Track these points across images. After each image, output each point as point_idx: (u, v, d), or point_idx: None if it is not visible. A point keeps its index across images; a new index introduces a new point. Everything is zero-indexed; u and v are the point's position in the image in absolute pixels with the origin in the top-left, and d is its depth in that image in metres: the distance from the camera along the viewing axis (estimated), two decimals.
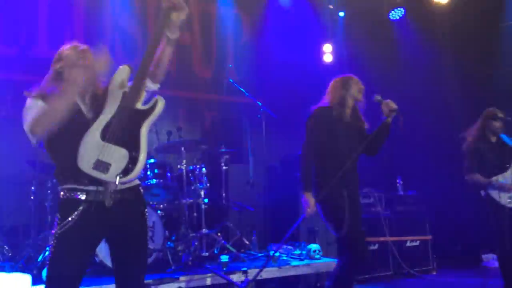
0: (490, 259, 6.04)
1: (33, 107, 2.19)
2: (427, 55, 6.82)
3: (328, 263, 4.59)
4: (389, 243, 5.47)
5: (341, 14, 7.06)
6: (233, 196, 5.50)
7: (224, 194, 5.22)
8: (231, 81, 5.44)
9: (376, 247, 5.48)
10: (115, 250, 2.20)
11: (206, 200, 4.77)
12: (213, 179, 5.10)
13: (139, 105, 2.21)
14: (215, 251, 4.57)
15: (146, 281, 3.44)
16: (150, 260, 3.92)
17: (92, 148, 2.06)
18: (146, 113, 2.19)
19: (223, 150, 5.20)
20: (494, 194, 4.05)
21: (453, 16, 6.77)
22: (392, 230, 5.52)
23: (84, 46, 2.30)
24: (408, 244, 5.61)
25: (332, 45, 7.01)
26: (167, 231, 4.20)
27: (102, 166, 2.04)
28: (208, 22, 6.30)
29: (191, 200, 4.70)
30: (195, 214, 4.73)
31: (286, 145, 6.17)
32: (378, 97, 3.45)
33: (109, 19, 5.51)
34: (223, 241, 4.63)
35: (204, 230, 4.57)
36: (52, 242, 2.08)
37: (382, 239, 5.47)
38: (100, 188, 2.09)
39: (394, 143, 6.76)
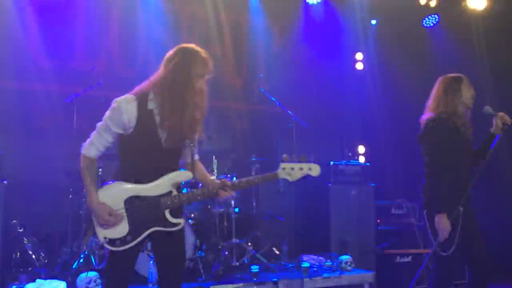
0: None
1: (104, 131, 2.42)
2: (461, 63, 6.64)
3: (360, 275, 4.52)
4: (423, 255, 5.33)
5: (373, 22, 6.98)
6: (263, 206, 5.50)
7: (254, 204, 5.22)
8: (262, 90, 5.46)
9: (409, 259, 5.36)
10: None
11: (236, 210, 4.79)
12: (244, 188, 5.10)
13: (168, 214, 2.39)
14: (245, 261, 4.57)
15: None
16: None
17: (113, 202, 2.41)
18: (164, 223, 2.39)
19: (253, 159, 5.21)
20: None
21: (489, 22, 6.58)
22: (426, 242, 5.38)
23: None
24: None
25: (364, 53, 6.94)
26: (198, 240, 4.24)
27: None
28: (240, 31, 6.35)
29: (222, 209, 4.73)
30: (225, 223, 4.75)
31: (317, 154, 6.10)
32: (489, 109, 3.21)
33: (143, 31, 5.64)
34: (253, 251, 4.63)
35: (234, 239, 4.58)
36: None
37: (416, 251, 5.34)
38: None
39: None
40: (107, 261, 2.51)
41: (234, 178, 4.87)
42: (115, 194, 2.35)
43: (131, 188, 2.35)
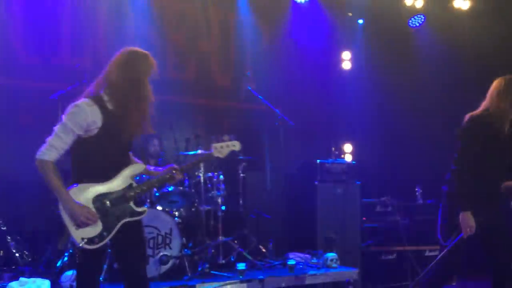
0: None
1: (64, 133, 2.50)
2: (447, 62, 6.73)
3: (345, 272, 4.56)
4: (407, 252, 5.40)
5: (360, 21, 7.03)
6: (250, 204, 5.51)
7: (241, 202, 5.23)
8: (250, 88, 5.47)
9: (394, 256, 5.42)
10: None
11: (223, 208, 4.79)
12: (230, 186, 5.12)
13: (132, 204, 2.58)
14: (232, 259, 4.57)
15: None
16: (166, 267, 3.96)
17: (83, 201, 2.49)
18: (132, 214, 2.58)
19: (241, 157, 5.22)
20: None
21: (474, 22, 6.67)
22: (410, 239, 5.44)
23: None
24: (427, 253, 5.52)
25: (351, 52, 6.98)
26: (184, 238, 4.23)
27: None
28: (227, 29, 6.34)
29: (209, 208, 4.73)
30: (212, 221, 4.75)
31: (304, 152, 6.16)
32: None
33: (129, 28, 5.60)
34: (240, 249, 4.64)
35: (221, 237, 4.59)
36: None
37: (400, 248, 5.40)
38: None
39: (413, 152, 6.72)
40: (78, 260, 2.59)
41: (221, 176, 4.88)
42: (82, 195, 2.47)
43: (95, 188, 2.51)
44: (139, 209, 2.60)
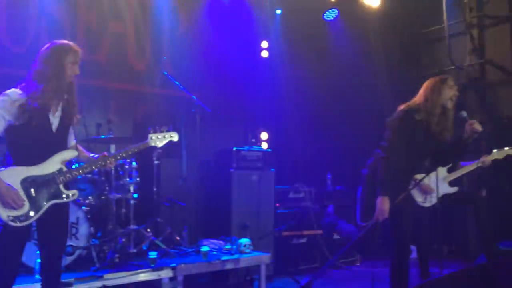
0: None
1: None
2: (358, 56, 7.09)
3: (258, 257, 4.66)
4: (317, 236, 5.65)
5: (278, 11, 7.14)
6: (165, 191, 5.40)
7: (155, 189, 5.12)
8: (166, 73, 5.35)
9: (305, 240, 5.65)
10: None
11: (135, 195, 4.66)
12: (144, 173, 4.99)
13: (62, 187, 2.78)
14: (144, 248, 4.48)
15: (67, 280, 3.34)
16: (72, 258, 3.78)
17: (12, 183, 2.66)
18: (60, 196, 2.78)
19: None
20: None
21: (382, 18, 7.08)
22: (320, 224, 5.71)
23: None
24: (335, 237, 5.82)
25: (269, 41, 7.08)
26: (92, 228, 4.07)
27: None
28: (143, 11, 6.11)
29: (120, 196, 4.57)
30: (123, 210, 4.61)
31: (220, 139, 6.17)
32: (463, 114, 3.34)
33: (34, 3, 5.20)
34: (152, 237, 4.56)
35: (132, 226, 4.47)
36: None
37: (310, 232, 5.64)
38: None
39: (325, 140, 7.02)
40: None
41: (134, 163, 4.74)
42: (11, 177, 2.64)
43: (24, 170, 2.69)
44: (68, 192, 2.80)
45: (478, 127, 3.32)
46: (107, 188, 4.50)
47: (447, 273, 3.75)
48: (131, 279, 3.82)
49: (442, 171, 4.09)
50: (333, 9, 7.15)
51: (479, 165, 3.56)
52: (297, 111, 7.05)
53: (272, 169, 5.68)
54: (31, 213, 2.66)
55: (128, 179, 4.62)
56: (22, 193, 2.65)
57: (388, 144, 3.34)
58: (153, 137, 3.11)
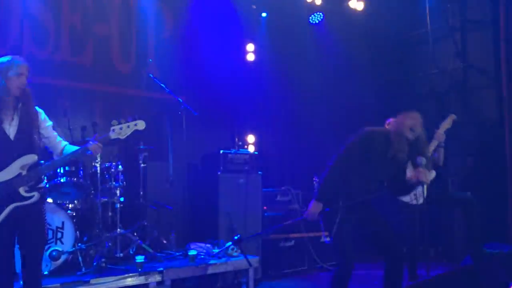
0: None
1: None
2: (343, 57, 7.15)
3: (245, 260, 4.63)
4: (305, 239, 5.66)
5: (264, 14, 7.16)
6: (151, 195, 5.35)
7: (142, 193, 5.07)
8: (151, 76, 5.30)
9: (292, 243, 5.64)
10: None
11: (122, 199, 4.60)
12: (130, 177, 4.94)
13: (22, 190, 2.86)
14: (131, 252, 4.42)
15: (53, 285, 3.28)
16: (58, 263, 3.71)
17: None
18: (20, 199, 2.85)
19: (141, 147, 5.05)
20: None
21: (367, 22, 7.16)
22: (308, 227, 5.71)
23: None
24: (322, 239, 5.83)
25: (254, 44, 7.08)
26: (78, 232, 4.00)
27: None
28: (128, 14, 6.06)
29: (106, 199, 4.51)
30: (110, 213, 4.55)
31: (207, 142, 6.14)
32: (423, 161, 3.43)
33: (17, 4, 5.11)
34: (139, 241, 4.50)
35: (119, 230, 4.41)
36: None
37: (298, 235, 5.64)
38: None
39: (312, 143, 7.05)
40: None
41: (120, 167, 4.68)
42: None
43: None
44: (27, 194, 2.85)
45: (425, 179, 3.46)
46: (93, 191, 4.44)
47: (434, 275, 3.79)
48: (118, 284, 3.76)
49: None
50: (319, 13, 7.21)
51: (437, 142, 3.59)
52: (284, 114, 7.07)
53: (259, 172, 5.67)
54: None
55: (114, 183, 4.56)
56: None
57: (338, 157, 3.43)
58: (115, 129, 3.04)
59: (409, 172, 3.61)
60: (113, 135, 3.04)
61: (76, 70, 5.46)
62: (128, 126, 3.06)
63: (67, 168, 4.32)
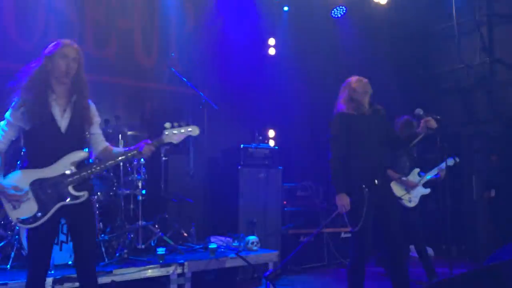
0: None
1: None
2: (365, 53, 7.06)
3: (265, 255, 4.65)
4: (324, 234, 5.63)
5: (286, 8, 7.11)
6: (172, 188, 5.41)
7: (163, 186, 5.12)
8: (173, 70, 5.33)
9: (312, 238, 5.61)
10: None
11: (143, 192, 4.65)
12: (152, 170, 4.99)
13: (71, 189, 2.66)
14: (152, 244, 4.48)
15: (73, 275, 3.34)
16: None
17: (20, 184, 2.65)
18: (70, 198, 2.66)
19: None
20: None
21: (391, 15, 7.04)
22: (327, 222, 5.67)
23: None
24: (342, 235, 5.80)
25: (276, 38, 7.05)
26: (101, 223, 4.07)
27: None
28: (151, 8, 6.11)
29: (128, 192, 4.57)
30: (132, 205, 4.61)
31: (228, 136, 6.16)
32: (420, 112, 3.45)
33: (43, 1, 5.19)
34: (160, 233, 4.55)
35: (140, 222, 4.47)
36: None
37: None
38: None
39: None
40: (27, 244, 2.68)
41: (142, 160, 4.73)
42: (19, 179, 2.64)
43: (33, 172, 2.65)
44: (77, 193, 2.68)
45: (433, 124, 3.36)
46: (115, 184, 4.50)
47: (457, 273, 3.73)
48: (140, 275, 3.81)
49: (414, 175, 4.59)
50: (341, 6, 7.12)
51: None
52: (304, 109, 7.03)
53: (280, 167, 5.66)
54: (39, 215, 2.60)
55: (136, 175, 4.61)
56: (31, 195, 2.61)
57: (330, 148, 3.48)
58: (168, 133, 2.80)
59: None
60: (166, 139, 2.82)
61: (100, 63, 5.53)
62: (182, 132, 2.83)
63: (90, 160, 4.38)
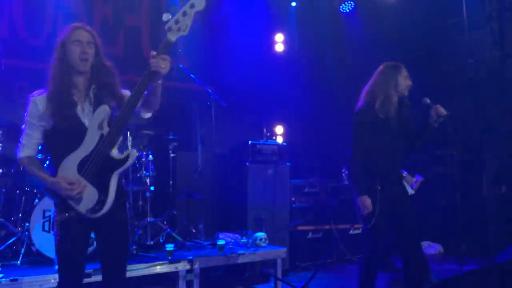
0: (426, 246, 6.35)
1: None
2: (375, 47, 7.00)
3: (274, 251, 4.65)
4: (333, 231, 5.62)
5: (293, 4, 7.08)
6: (180, 184, 5.42)
7: (171, 182, 5.13)
8: (181, 66, 5.33)
9: (320, 235, 5.61)
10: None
11: (152, 188, 4.67)
12: (160, 166, 5.00)
13: (114, 153, 2.37)
14: (161, 240, 4.50)
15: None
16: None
17: (69, 175, 2.34)
18: (119, 163, 2.36)
19: (171, 137, 5.11)
20: None
21: (400, 10, 6.98)
22: (336, 218, 5.67)
23: None
24: (351, 232, 5.78)
25: (284, 34, 7.02)
26: None
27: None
28: (158, 4, 6.12)
29: (137, 188, 4.59)
30: (140, 202, 4.63)
31: (236, 133, 6.16)
32: (427, 100, 3.40)
33: None
34: (168, 230, 4.57)
35: (149, 218, 4.48)
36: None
37: (326, 227, 5.60)
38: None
39: (341, 134, 6.95)
40: (56, 242, 2.42)
41: (150, 156, 4.75)
42: (67, 169, 2.36)
43: (73, 157, 2.36)
44: (122, 156, 2.34)
45: (443, 110, 3.30)
46: (124, 180, 4.50)
47: (467, 270, 3.70)
48: (149, 271, 3.83)
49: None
50: (349, 1, 7.07)
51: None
52: (312, 105, 7.00)
53: (288, 163, 5.65)
54: (102, 198, 2.31)
55: (144, 172, 4.63)
56: (84, 181, 2.31)
57: (352, 143, 3.40)
58: (171, 27, 2.33)
59: None
60: (173, 36, 2.34)
61: (108, 60, 5.54)
62: (185, 13, 2.29)
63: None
